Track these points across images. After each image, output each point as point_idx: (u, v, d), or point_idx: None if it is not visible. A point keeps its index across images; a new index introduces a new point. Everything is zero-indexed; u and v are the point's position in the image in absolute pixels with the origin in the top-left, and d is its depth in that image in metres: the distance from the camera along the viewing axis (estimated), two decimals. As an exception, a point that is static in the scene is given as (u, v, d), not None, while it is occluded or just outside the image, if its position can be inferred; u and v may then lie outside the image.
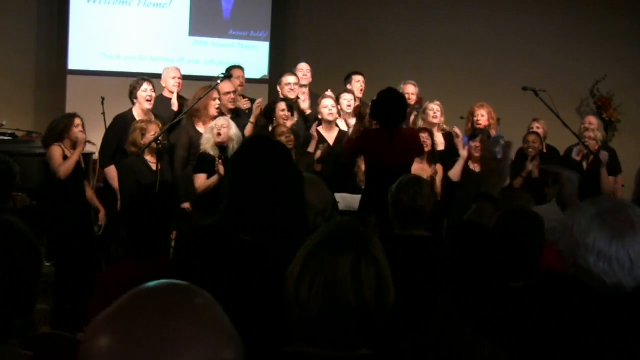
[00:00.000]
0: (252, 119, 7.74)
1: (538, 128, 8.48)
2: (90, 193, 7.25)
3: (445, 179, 7.79)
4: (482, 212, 2.96)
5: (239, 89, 8.53)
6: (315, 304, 1.95)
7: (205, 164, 7.04)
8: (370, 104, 7.10)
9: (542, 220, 3.60)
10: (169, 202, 4.20)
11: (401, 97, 6.88)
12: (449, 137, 8.34)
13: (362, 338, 1.99)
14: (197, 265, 2.72)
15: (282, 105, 7.88)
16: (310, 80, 8.98)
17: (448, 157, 8.10)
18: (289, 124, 7.71)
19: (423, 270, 3.74)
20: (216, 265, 2.68)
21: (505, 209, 3.52)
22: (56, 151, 6.93)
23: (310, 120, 8.37)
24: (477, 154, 7.70)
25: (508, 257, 3.38)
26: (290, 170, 2.85)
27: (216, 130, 7.03)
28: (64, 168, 6.86)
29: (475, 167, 7.76)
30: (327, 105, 7.95)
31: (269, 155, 2.82)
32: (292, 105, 8.10)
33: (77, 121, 7.02)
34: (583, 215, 2.53)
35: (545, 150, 8.32)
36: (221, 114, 7.48)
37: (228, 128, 7.07)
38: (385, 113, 6.67)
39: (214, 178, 6.94)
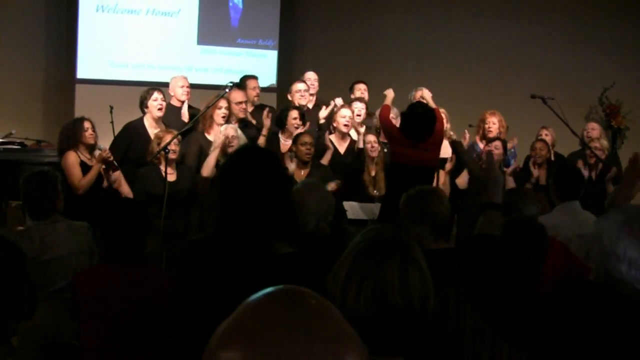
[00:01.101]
0: (264, 132, 7.69)
1: (546, 135, 8.48)
2: (117, 176, 7.23)
3: (452, 186, 7.77)
4: (491, 222, 2.96)
5: (255, 99, 8.55)
6: (365, 308, 1.96)
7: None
8: (399, 115, 7.17)
9: (544, 228, 3.59)
10: (144, 214, 4.31)
11: (430, 112, 6.93)
12: (455, 144, 8.33)
13: (404, 343, 2.00)
14: (194, 281, 2.73)
15: (294, 114, 7.87)
16: (317, 89, 9.01)
17: (455, 165, 8.08)
18: (301, 130, 7.71)
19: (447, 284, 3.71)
20: (212, 279, 2.68)
21: (509, 219, 3.51)
22: (71, 158, 6.85)
23: (322, 128, 8.37)
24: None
25: (514, 265, 3.37)
26: (275, 178, 2.84)
27: (227, 141, 6.99)
28: (83, 184, 6.78)
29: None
30: (346, 116, 7.94)
31: (252, 165, 2.82)
32: (304, 113, 8.11)
33: (86, 125, 6.97)
34: (611, 225, 2.52)
35: (553, 158, 8.31)
36: (227, 122, 7.47)
37: (238, 138, 7.06)
38: (415, 127, 6.77)
39: None
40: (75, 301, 4.08)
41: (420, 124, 6.78)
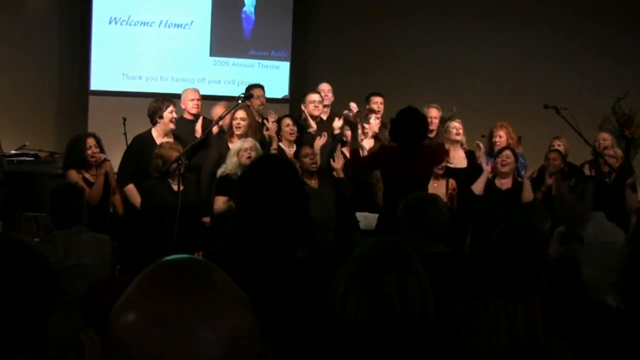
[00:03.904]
0: (274, 146, 7.70)
1: (559, 145, 8.46)
2: (117, 199, 7.26)
3: (468, 193, 7.73)
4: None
5: (260, 108, 8.51)
6: (364, 320, 1.96)
7: (226, 186, 7.02)
8: (389, 122, 7.09)
9: (544, 235, 3.56)
10: (160, 223, 4.34)
11: (422, 117, 6.82)
12: (470, 155, 8.31)
13: (407, 354, 2.00)
14: None
15: (287, 121, 7.88)
16: (332, 99, 8.98)
17: (470, 175, 8.04)
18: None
19: (454, 288, 3.70)
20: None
21: (507, 226, 3.50)
22: (72, 177, 6.86)
23: (337, 139, 8.34)
24: (503, 170, 7.66)
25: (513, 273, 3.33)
26: (293, 188, 2.85)
27: (246, 154, 6.98)
28: (93, 196, 6.84)
29: (502, 184, 7.71)
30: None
31: (271, 175, 2.83)
32: (298, 120, 8.09)
33: (89, 142, 6.99)
34: None
35: (566, 168, 8.27)
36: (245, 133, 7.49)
37: (256, 151, 7.05)
38: (405, 133, 6.64)
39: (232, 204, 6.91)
40: (97, 310, 4.09)
41: (411, 128, 6.64)
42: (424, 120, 6.85)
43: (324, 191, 7.07)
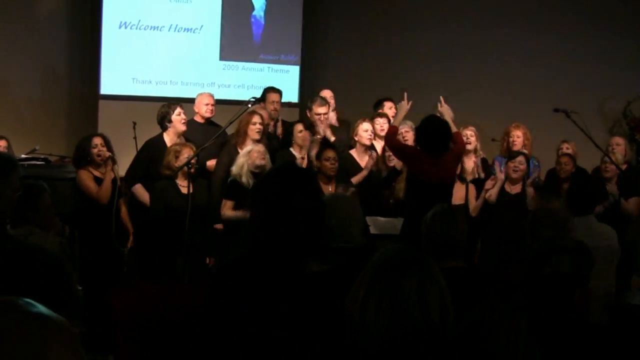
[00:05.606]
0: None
1: (567, 149, 8.42)
2: (124, 212, 7.27)
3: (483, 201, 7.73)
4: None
5: (273, 113, 8.51)
6: (383, 326, 1.96)
7: (235, 190, 7.01)
8: (414, 130, 7.16)
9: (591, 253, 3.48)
10: (175, 230, 4.26)
11: (445, 125, 6.89)
12: (483, 163, 8.28)
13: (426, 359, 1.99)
14: (231, 301, 2.71)
15: (299, 127, 7.87)
16: (334, 106, 8.97)
17: (479, 186, 8.02)
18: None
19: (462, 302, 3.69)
20: (250, 299, 2.67)
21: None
22: (84, 176, 6.97)
23: (340, 146, 8.32)
24: (514, 176, 7.65)
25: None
26: (311, 198, 2.82)
27: (260, 156, 6.98)
28: (102, 193, 6.88)
29: (511, 189, 7.69)
30: (368, 129, 7.93)
31: (288, 184, 2.80)
32: (310, 126, 8.08)
33: (95, 141, 7.05)
34: None
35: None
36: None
37: (266, 154, 7.07)
38: (430, 140, 6.73)
39: (241, 212, 6.91)
40: (112, 315, 4.01)
41: (436, 135, 6.73)
42: (447, 127, 6.90)
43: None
